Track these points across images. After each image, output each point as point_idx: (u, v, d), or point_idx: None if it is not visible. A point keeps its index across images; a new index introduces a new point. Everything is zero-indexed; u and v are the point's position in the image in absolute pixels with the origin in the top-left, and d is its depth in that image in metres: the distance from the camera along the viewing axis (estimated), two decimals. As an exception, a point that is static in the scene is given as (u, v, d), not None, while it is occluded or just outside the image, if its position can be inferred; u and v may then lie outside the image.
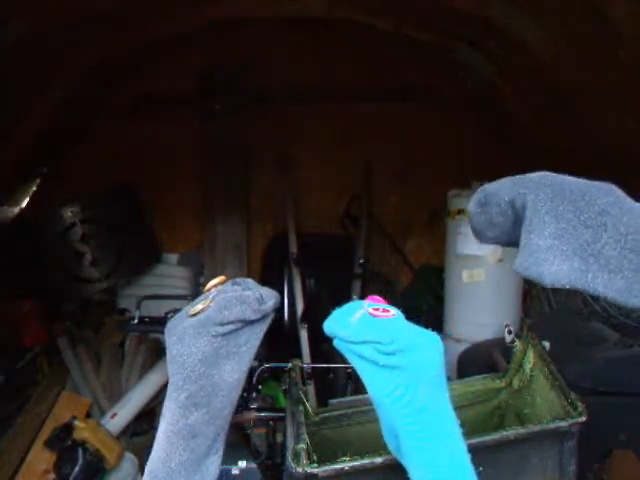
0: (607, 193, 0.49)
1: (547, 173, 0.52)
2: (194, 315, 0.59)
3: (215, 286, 0.64)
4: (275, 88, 3.35)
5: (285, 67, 3.34)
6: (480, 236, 0.57)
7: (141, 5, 2.23)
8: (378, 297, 0.65)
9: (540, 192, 0.51)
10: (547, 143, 2.74)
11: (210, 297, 0.61)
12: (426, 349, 0.62)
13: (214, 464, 0.61)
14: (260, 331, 0.63)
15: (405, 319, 0.64)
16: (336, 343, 0.64)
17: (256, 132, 3.41)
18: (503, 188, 0.53)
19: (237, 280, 0.65)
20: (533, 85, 2.47)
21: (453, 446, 0.62)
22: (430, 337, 0.63)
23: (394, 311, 0.63)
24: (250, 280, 0.65)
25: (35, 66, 2.17)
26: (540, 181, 0.52)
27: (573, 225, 0.49)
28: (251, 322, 0.61)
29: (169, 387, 0.60)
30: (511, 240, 0.55)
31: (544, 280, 0.51)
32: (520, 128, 2.96)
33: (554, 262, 0.49)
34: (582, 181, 0.51)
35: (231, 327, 0.59)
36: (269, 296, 0.62)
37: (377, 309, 0.62)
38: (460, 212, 2.43)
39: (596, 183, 0.50)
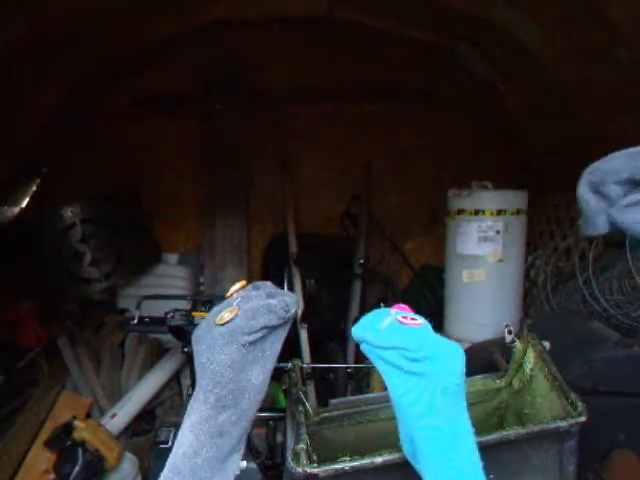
0: None
1: None
2: (222, 324, 0.61)
3: (237, 291, 0.66)
4: (275, 88, 3.35)
5: (285, 67, 3.34)
6: (594, 225, 0.52)
7: (141, 5, 2.23)
8: (405, 305, 0.68)
9: None
10: (547, 143, 2.73)
11: (235, 304, 0.63)
12: (450, 358, 0.64)
13: (236, 461, 0.64)
14: (283, 334, 0.66)
15: (431, 328, 0.66)
16: (363, 348, 0.67)
17: (256, 132, 3.41)
18: (619, 165, 0.49)
19: (257, 284, 0.68)
20: (533, 85, 2.47)
21: (466, 455, 0.63)
22: (454, 347, 0.66)
23: (421, 320, 0.66)
24: (269, 284, 0.68)
25: (35, 66, 2.17)
26: None
27: None
28: (274, 327, 0.63)
29: (197, 389, 0.62)
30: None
31: None
32: (520, 128, 2.96)
33: None
34: None
35: (258, 335, 0.61)
36: (292, 303, 0.65)
37: (405, 317, 0.65)
38: (460, 212, 2.42)
39: None
